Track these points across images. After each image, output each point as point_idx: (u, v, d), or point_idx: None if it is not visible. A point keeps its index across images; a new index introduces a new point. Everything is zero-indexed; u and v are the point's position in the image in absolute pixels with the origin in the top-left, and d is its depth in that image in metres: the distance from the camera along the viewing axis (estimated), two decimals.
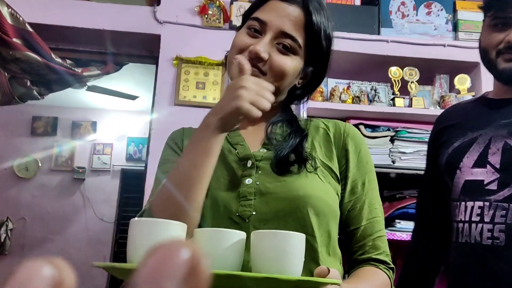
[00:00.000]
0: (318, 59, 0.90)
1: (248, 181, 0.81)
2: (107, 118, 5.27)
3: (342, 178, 0.87)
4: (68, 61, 2.25)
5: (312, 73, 0.91)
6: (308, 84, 0.94)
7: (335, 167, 0.86)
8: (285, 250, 0.60)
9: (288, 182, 0.80)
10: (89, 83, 3.77)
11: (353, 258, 0.86)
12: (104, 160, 5.18)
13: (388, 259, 0.85)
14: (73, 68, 2.24)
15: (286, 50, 0.84)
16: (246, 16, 0.90)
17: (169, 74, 2.30)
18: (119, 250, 4.92)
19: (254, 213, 0.78)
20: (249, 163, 0.83)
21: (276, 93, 0.81)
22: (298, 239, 0.62)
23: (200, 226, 0.76)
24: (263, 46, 0.81)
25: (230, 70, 0.86)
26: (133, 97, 4.41)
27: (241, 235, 0.62)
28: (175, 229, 0.60)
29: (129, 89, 4.38)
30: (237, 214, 0.78)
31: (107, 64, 2.42)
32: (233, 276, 0.55)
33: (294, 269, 0.61)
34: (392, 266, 0.86)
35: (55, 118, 5.19)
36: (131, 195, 5.02)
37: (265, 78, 0.81)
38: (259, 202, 0.79)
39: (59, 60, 2.16)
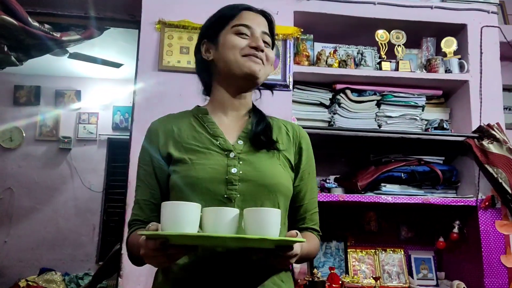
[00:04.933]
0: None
1: (233, 170, 1.01)
2: (92, 86, 5.18)
3: (296, 168, 1.13)
4: (47, 26, 2.16)
5: None
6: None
7: (292, 159, 1.11)
8: (268, 220, 0.87)
9: (263, 172, 1.03)
10: (70, 50, 3.68)
11: (296, 226, 1.14)
12: (90, 130, 5.12)
13: (318, 227, 1.16)
14: (51, 33, 2.16)
15: (268, 45, 1.12)
16: (220, 23, 1.12)
17: (152, 39, 2.24)
18: (108, 219, 4.95)
19: (238, 195, 1.00)
20: (232, 155, 1.04)
21: (267, 76, 1.12)
22: (276, 213, 0.89)
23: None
24: (261, 42, 1.08)
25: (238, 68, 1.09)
26: (117, 65, 4.32)
27: (236, 211, 0.88)
28: (193, 209, 0.87)
29: (113, 56, 4.28)
30: (225, 196, 0.99)
31: (88, 28, 2.34)
32: (235, 238, 0.84)
33: (274, 233, 0.87)
34: (321, 233, 1.16)
35: (37, 87, 5.08)
36: (118, 164, 5.00)
37: (265, 66, 1.09)
38: (242, 187, 1.01)
39: (36, 24, 2.08)
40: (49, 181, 4.94)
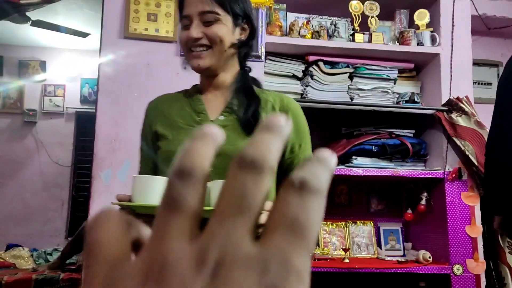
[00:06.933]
0: (241, 14, 1.11)
1: None
2: (58, 57, 4.96)
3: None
4: None
5: (248, 26, 1.15)
6: (249, 38, 1.16)
7: None
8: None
9: (236, 146, 1.02)
10: (32, 17, 3.50)
11: None
12: (57, 103, 4.93)
13: None
14: None
15: (211, 22, 1.07)
16: (180, 16, 1.13)
17: (116, 4, 2.14)
18: (77, 194, 4.83)
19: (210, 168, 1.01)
20: None
21: (223, 53, 1.08)
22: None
23: None
24: (194, 30, 1.06)
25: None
26: (83, 34, 4.14)
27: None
28: (161, 182, 0.90)
29: (79, 26, 4.09)
30: None
31: None
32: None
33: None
34: None
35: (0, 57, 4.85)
36: (88, 138, 4.85)
37: (212, 49, 1.07)
38: (213, 161, 0.97)
39: None
40: (13, 155, 4.76)
